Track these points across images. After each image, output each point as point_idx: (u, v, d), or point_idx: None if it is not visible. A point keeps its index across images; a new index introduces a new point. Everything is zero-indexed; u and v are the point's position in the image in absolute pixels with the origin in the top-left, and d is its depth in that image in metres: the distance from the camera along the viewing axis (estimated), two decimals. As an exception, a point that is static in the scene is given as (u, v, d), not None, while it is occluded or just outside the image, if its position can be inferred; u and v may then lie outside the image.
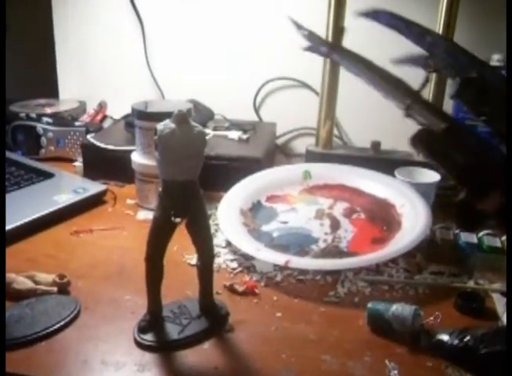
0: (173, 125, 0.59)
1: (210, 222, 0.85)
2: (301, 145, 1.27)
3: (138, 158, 0.96)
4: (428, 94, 1.06)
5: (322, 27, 1.05)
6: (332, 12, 1.03)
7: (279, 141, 1.30)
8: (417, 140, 0.49)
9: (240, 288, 0.73)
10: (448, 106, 1.06)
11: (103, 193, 1.00)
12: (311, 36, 0.66)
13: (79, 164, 1.13)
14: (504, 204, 0.46)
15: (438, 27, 1.04)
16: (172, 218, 0.61)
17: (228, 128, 1.17)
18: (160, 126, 0.59)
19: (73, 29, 1.40)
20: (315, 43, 0.66)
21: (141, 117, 0.93)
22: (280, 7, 1.24)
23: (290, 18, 0.66)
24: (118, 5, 1.32)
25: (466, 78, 0.48)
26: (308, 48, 0.67)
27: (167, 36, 1.33)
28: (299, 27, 0.66)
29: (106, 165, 1.07)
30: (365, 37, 0.99)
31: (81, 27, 1.39)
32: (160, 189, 0.61)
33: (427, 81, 0.57)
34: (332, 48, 0.60)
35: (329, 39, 1.05)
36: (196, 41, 1.31)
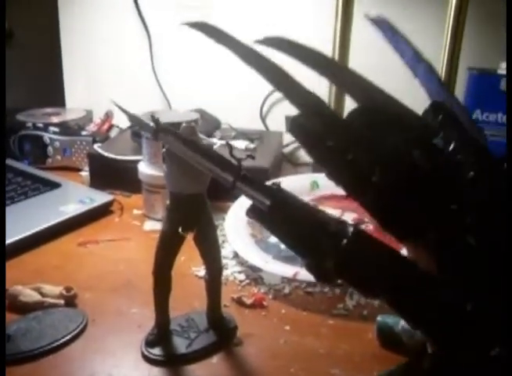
0: (181, 138, 0.58)
1: (218, 232, 0.84)
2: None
3: (145, 168, 0.95)
4: (441, 69, 1.06)
5: (329, 40, 1.05)
6: (339, 24, 1.03)
7: (286, 150, 1.30)
8: (251, 215, 0.48)
9: (248, 301, 0.73)
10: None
11: (110, 203, 0.99)
12: (134, 119, 0.65)
13: (86, 173, 1.13)
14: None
15: (446, 35, 1.04)
16: (180, 232, 0.60)
17: (234, 138, 1.16)
18: (168, 139, 0.59)
19: (79, 37, 1.40)
20: (140, 125, 0.64)
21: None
22: (287, 17, 1.24)
23: (115, 103, 0.64)
24: (125, 14, 1.33)
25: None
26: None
27: (173, 45, 1.33)
28: (124, 111, 0.64)
29: (113, 175, 1.07)
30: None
31: (87, 36, 1.39)
32: (168, 202, 0.61)
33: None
34: (157, 129, 0.58)
35: (336, 54, 1.05)
36: (203, 50, 1.31)
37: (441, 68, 1.05)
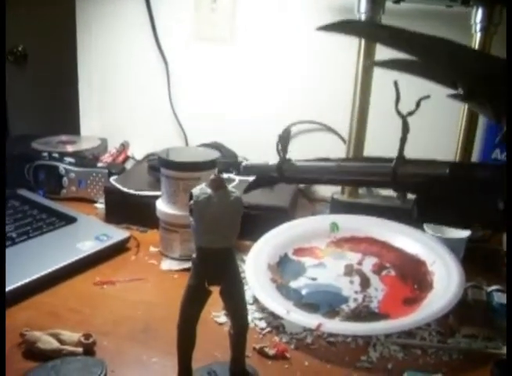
0: (209, 191, 0.57)
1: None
2: (324, 189, 1.26)
3: (163, 207, 0.94)
4: (460, 128, 1.06)
5: (352, 72, 1.04)
6: (361, 62, 1.03)
7: (302, 184, 1.28)
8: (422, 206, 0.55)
9: (271, 352, 0.71)
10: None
11: (127, 240, 0.98)
12: (251, 166, 0.72)
13: (101, 205, 1.12)
14: None
15: (460, 129, 1.06)
16: (206, 286, 0.59)
17: (251, 173, 1.15)
18: (195, 191, 0.58)
19: (97, 65, 1.40)
20: (259, 170, 0.69)
21: (168, 167, 0.91)
22: (308, 50, 1.24)
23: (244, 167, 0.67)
24: (144, 44, 1.32)
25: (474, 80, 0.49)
26: (253, 186, 0.70)
27: (191, 76, 1.32)
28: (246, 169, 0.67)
29: (129, 209, 1.06)
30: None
31: (105, 64, 1.39)
32: (194, 255, 0.59)
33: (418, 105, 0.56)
34: (280, 165, 0.64)
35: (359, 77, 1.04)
36: (220, 83, 1.31)
37: (460, 120, 1.05)
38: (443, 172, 0.51)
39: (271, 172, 0.64)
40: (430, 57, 0.50)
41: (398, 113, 0.56)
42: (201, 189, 0.58)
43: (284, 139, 0.65)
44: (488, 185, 0.51)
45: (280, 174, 0.62)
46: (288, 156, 1.29)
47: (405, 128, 0.55)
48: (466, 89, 0.51)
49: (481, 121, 1.06)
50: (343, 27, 0.50)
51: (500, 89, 0.49)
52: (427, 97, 0.56)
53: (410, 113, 0.55)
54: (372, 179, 0.58)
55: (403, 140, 0.55)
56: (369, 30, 0.53)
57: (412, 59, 0.53)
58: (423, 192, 0.53)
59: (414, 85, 0.59)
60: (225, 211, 0.57)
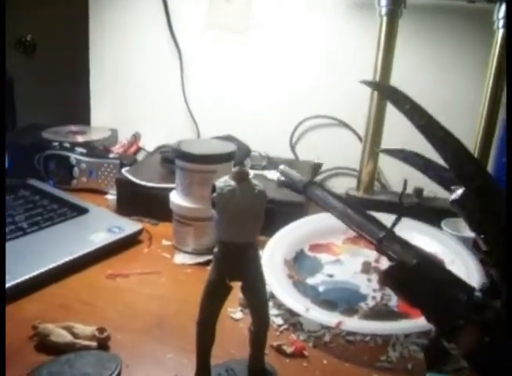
0: (233, 183, 0.56)
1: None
2: (336, 184, 1.24)
3: (177, 199, 0.93)
4: (475, 143, 1.03)
5: (369, 67, 1.03)
6: (380, 56, 1.01)
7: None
8: (388, 276, 0.57)
9: (289, 350, 0.69)
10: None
11: (139, 232, 0.96)
12: (287, 172, 0.75)
13: (112, 197, 1.10)
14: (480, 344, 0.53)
15: (478, 131, 1.02)
16: (227, 282, 0.57)
17: (265, 167, 1.14)
18: (219, 183, 0.56)
19: (109, 55, 1.38)
20: (291, 179, 0.74)
21: (184, 159, 0.89)
22: (324, 43, 1.22)
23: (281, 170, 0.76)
24: (157, 34, 1.31)
25: (470, 187, 0.53)
26: (283, 184, 0.77)
27: (205, 68, 1.31)
28: (282, 172, 0.76)
29: (141, 201, 1.04)
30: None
31: (117, 54, 1.38)
32: (216, 249, 0.58)
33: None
34: (307, 185, 0.70)
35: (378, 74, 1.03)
36: (235, 75, 1.29)
37: (480, 114, 1.03)
38: (410, 262, 0.55)
39: (297, 184, 0.72)
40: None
41: (401, 203, 0.64)
42: (225, 182, 0.56)
43: (315, 168, 0.73)
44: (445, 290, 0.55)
45: (303, 190, 0.71)
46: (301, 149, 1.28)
47: (400, 217, 0.61)
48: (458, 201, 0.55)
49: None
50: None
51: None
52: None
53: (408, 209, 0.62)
54: (363, 234, 0.62)
55: (396, 220, 0.60)
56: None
57: (415, 152, 0.62)
58: (396, 266, 0.57)
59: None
60: (249, 204, 0.56)
